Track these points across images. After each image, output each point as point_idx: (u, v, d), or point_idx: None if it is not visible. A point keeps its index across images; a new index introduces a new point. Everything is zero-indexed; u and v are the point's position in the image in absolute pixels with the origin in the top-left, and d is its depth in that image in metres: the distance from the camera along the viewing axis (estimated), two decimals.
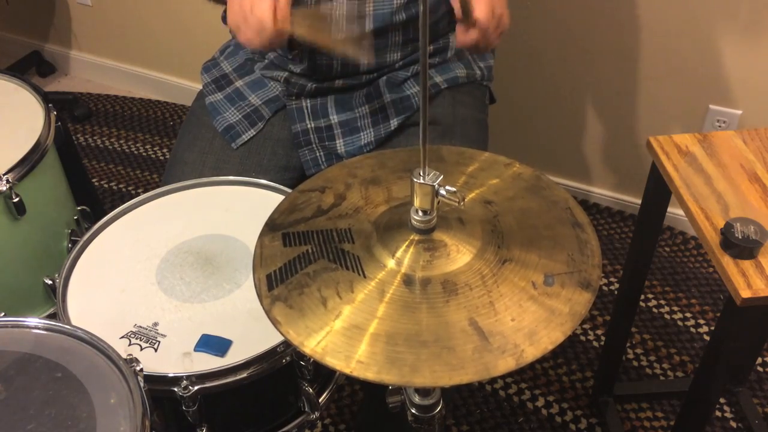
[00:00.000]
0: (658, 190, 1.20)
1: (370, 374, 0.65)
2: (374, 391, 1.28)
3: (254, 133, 1.30)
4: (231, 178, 1.20)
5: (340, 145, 1.28)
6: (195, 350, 0.95)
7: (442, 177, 0.73)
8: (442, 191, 0.73)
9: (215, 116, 1.33)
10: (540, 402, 1.66)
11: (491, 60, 1.40)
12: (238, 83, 1.35)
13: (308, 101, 1.30)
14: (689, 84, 1.84)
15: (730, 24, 1.72)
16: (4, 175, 1.18)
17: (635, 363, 1.73)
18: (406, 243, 0.75)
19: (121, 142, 2.48)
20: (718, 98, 1.83)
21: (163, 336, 0.97)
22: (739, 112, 1.82)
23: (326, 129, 1.29)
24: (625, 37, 1.85)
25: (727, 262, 0.99)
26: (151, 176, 2.32)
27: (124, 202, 1.17)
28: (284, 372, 0.97)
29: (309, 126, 1.29)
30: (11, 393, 0.82)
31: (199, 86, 1.41)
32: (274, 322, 0.70)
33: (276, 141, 1.31)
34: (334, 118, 1.29)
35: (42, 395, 0.82)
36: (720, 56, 1.77)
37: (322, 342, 0.68)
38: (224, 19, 1.16)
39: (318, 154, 1.29)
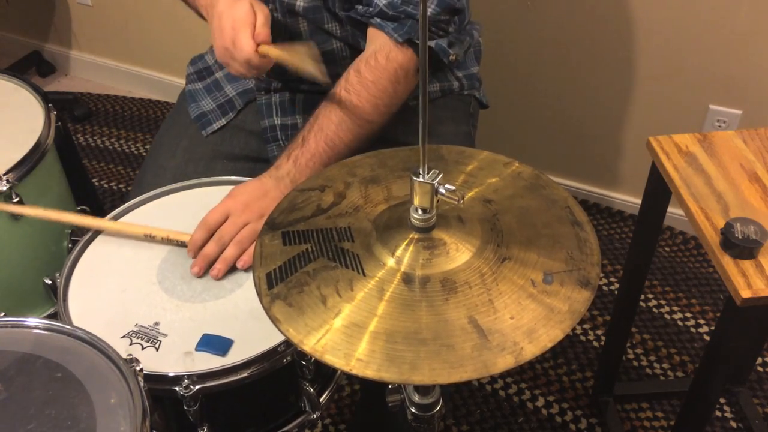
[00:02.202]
0: (658, 190, 1.20)
1: (369, 372, 0.65)
2: (373, 390, 1.28)
3: (225, 122, 1.33)
4: (233, 178, 1.21)
5: None
6: (196, 350, 0.95)
7: (441, 175, 0.73)
8: (442, 190, 0.73)
9: (191, 103, 1.36)
10: (540, 402, 1.66)
11: (474, 68, 1.38)
12: (218, 74, 1.39)
13: (277, 97, 1.32)
14: (689, 84, 1.84)
15: (730, 24, 1.72)
16: (4, 175, 1.18)
17: (635, 363, 1.73)
18: (406, 241, 0.75)
19: (121, 142, 2.48)
20: (718, 98, 1.83)
21: (165, 335, 0.97)
22: (739, 112, 1.82)
23: (291, 127, 1.31)
24: (625, 37, 1.85)
25: (727, 262, 0.99)
26: None
27: (124, 202, 1.17)
28: (285, 371, 0.97)
29: (276, 122, 1.31)
30: (11, 393, 0.82)
31: None
32: (274, 321, 0.70)
33: (249, 133, 1.33)
34: (300, 118, 1.31)
35: (42, 395, 0.82)
36: (720, 56, 1.77)
37: (322, 340, 0.68)
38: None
39: None
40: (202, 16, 1.26)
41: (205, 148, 1.30)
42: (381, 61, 1.13)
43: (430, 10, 1.13)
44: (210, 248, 1.05)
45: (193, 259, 1.06)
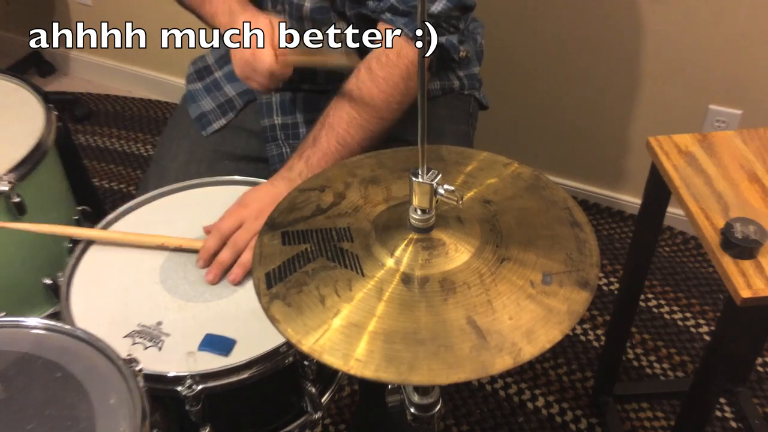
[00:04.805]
0: (658, 190, 1.20)
1: (368, 372, 0.65)
2: (373, 390, 1.28)
3: (225, 122, 1.33)
4: (235, 177, 1.21)
5: None
6: (199, 349, 0.95)
7: (440, 176, 0.73)
8: (441, 190, 0.73)
9: (191, 104, 1.36)
10: (540, 402, 1.66)
11: (475, 68, 1.38)
12: (218, 74, 1.39)
13: (278, 96, 1.32)
14: (689, 84, 1.84)
15: (730, 24, 1.72)
16: (5, 175, 1.18)
17: (635, 363, 1.73)
18: (405, 242, 0.75)
19: (121, 142, 2.48)
20: (718, 98, 1.83)
21: (167, 335, 0.97)
22: (739, 112, 1.82)
23: (292, 126, 1.31)
24: (626, 37, 1.85)
25: (727, 262, 0.99)
26: None
27: (125, 202, 1.17)
28: (287, 372, 0.97)
29: (276, 122, 1.31)
30: (11, 393, 0.82)
31: None
32: (273, 320, 0.70)
33: (250, 132, 1.33)
34: (300, 117, 1.31)
35: (42, 395, 0.82)
36: (720, 56, 1.77)
37: (321, 340, 0.68)
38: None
39: (284, 150, 1.30)
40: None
41: (206, 148, 1.30)
42: (392, 57, 1.13)
43: (441, 6, 1.13)
44: (225, 255, 1.04)
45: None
